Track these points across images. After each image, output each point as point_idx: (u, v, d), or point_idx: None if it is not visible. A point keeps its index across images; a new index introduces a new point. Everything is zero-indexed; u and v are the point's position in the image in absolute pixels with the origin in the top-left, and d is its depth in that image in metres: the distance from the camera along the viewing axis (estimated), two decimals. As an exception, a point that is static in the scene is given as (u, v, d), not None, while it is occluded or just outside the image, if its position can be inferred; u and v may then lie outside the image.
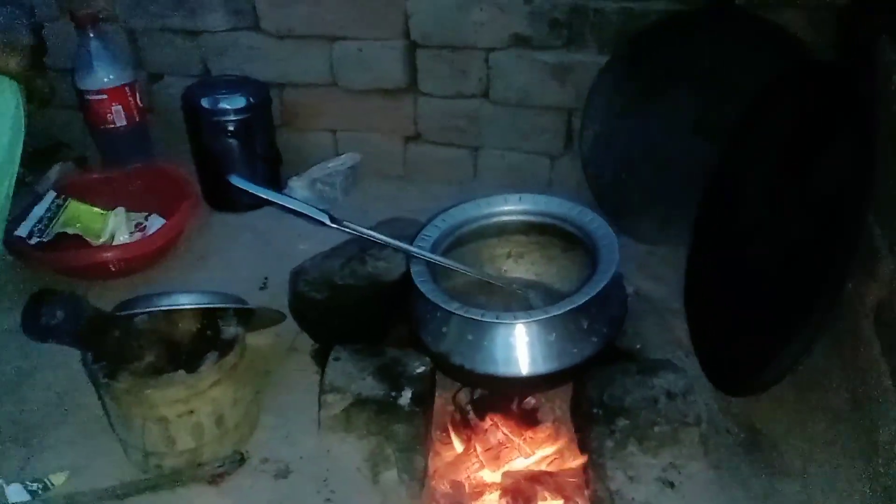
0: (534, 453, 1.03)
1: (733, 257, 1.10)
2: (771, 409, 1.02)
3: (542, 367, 0.98)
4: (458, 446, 1.06)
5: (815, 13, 1.27)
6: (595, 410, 0.95)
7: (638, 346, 1.10)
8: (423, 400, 0.99)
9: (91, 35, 1.52)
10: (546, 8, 1.40)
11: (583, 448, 0.99)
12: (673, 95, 1.35)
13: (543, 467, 1.02)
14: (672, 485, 0.89)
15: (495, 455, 1.03)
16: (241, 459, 0.98)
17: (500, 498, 0.98)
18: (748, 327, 1.00)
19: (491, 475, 1.02)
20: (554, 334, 0.98)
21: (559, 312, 0.95)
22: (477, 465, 1.03)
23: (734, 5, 1.32)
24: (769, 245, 1.03)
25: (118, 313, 0.94)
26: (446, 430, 1.08)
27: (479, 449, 1.04)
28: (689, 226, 1.24)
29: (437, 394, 1.08)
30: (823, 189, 0.95)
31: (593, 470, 0.93)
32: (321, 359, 1.09)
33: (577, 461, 0.99)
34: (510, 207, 1.16)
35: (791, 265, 0.96)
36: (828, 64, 1.15)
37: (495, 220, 1.16)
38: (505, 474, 1.00)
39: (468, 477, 1.02)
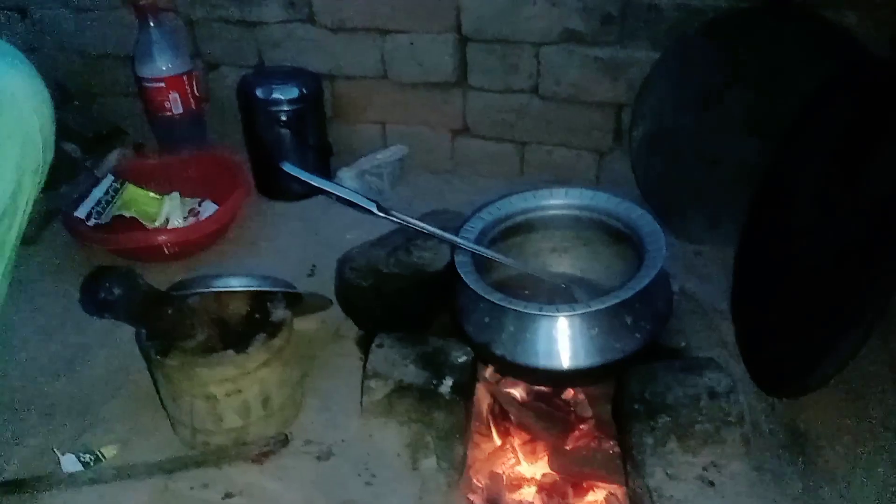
0: (572, 448, 1.03)
1: (782, 258, 1.09)
2: (816, 413, 1.00)
3: (584, 362, 0.98)
4: (497, 438, 1.07)
5: (874, 12, 1.24)
6: (636, 406, 0.95)
7: (682, 345, 1.09)
8: (464, 389, 1.00)
9: (151, 24, 1.57)
10: (599, 3, 1.40)
11: (623, 445, 0.99)
12: (726, 94, 1.33)
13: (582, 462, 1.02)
14: (712, 483, 0.88)
15: (532, 449, 1.04)
16: (284, 440, 1.00)
17: (536, 493, 0.99)
18: (795, 329, 0.99)
19: (530, 468, 1.03)
20: (596, 329, 0.98)
21: (602, 307, 0.95)
22: (514, 461, 1.04)
23: (792, 3, 1.29)
24: (819, 247, 1.01)
25: (173, 293, 0.97)
26: (486, 422, 1.09)
27: (516, 442, 1.05)
28: (737, 226, 1.22)
29: (477, 384, 1.09)
30: (876, 191, 0.93)
31: (632, 467, 0.93)
32: (365, 345, 1.11)
33: (616, 458, 0.99)
34: (556, 201, 1.16)
35: (841, 268, 0.94)
36: (884, 63, 1.12)
37: (541, 213, 1.16)
38: (544, 475, 1.00)
39: (506, 470, 1.03)
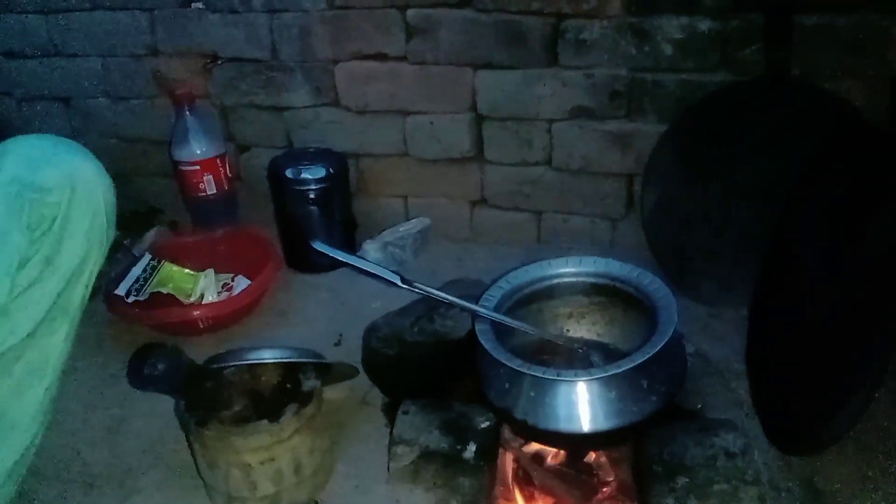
0: (595, 509, 1.05)
1: (792, 318, 1.12)
2: (833, 470, 1.02)
3: (603, 424, 1.00)
4: (521, 502, 1.09)
5: (870, 82, 1.30)
6: (655, 468, 0.97)
7: (699, 406, 1.11)
8: (488, 454, 1.03)
9: (186, 112, 1.66)
10: (606, 81, 1.48)
11: (644, 505, 1.01)
12: (731, 161, 1.39)
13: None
14: (732, 543, 0.90)
15: (557, 512, 1.06)
16: (315, 507, 1.03)
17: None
18: (807, 387, 1.01)
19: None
20: (614, 392, 1.00)
21: (619, 371, 0.98)
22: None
23: (790, 75, 1.35)
24: (826, 306, 1.05)
25: (211, 366, 1.03)
26: (510, 486, 1.11)
27: (541, 505, 1.07)
28: (749, 287, 1.26)
29: (500, 449, 1.12)
30: (878, 251, 0.97)
31: (654, 527, 0.95)
32: (391, 412, 1.14)
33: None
34: (571, 269, 1.19)
35: (846, 325, 0.97)
36: (881, 131, 1.18)
37: (557, 281, 1.20)
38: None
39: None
